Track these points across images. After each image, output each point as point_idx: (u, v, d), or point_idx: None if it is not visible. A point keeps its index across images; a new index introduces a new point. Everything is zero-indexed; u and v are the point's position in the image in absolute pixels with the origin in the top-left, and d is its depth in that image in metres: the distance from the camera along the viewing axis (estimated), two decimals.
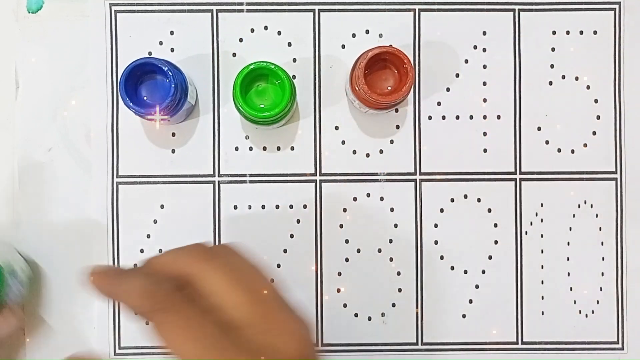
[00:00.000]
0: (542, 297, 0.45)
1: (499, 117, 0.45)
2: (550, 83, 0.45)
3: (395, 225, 0.45)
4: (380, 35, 0.45)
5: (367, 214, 0.45)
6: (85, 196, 0.45)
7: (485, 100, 0.45)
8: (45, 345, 0.45)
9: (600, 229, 0.46)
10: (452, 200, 0.45)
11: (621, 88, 0.45)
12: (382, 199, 0.45)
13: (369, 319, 0.45)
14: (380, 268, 0.45)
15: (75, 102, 0.45)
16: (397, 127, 0.45)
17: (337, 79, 0.45)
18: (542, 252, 0.45)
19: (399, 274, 0.45)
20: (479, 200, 0.45)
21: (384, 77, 0.42)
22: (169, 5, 0.45)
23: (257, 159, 0.45)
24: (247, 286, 0.32)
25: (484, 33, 0.45)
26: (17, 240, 0.45)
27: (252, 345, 0.30)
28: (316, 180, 0.45)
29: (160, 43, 0.45)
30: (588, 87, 0.45)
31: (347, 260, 0.45)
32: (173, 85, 0.39)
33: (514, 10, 0.45)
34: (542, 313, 0.45)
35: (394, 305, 0.45)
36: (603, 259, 0.46)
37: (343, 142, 0.45)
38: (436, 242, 0.45)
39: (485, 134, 0.45)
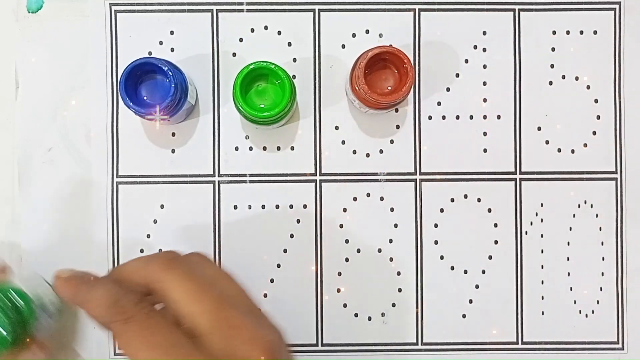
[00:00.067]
0: (542, 297, 0.45)
1: (499, 117, 0.45)
2: (550, 83, 0.45)
3: (395, 225, 0.45)
4: (380, 35, 0.45)
5: (367, 214, 0.45)
6: (85, 196, 0.45)
7: (485, 100, 0.45)
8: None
9: (600, 229, 0.46)
10: (452, 200, 0.45)
11: (621, 88, 0.45)
12: (382, 199, 0.45)
13: (369, 319, 0.45)
14: (380, 268, 0.45)
15: (75, 102, 0.45)
16: (397, 127, 0.45)
17: (337, 79, 0.45)
18: (542, 252, 0.45)
19: (399, 274, 0.45)
20: (479, 200, 0.45)
21: (384, 77, 0.42)
22: (169, 5, 0.45)
23: (257, 158, 0.45)
24: (211, 294, 0.32)
25: (484, 33, 0.45)
26: (17, 241, 0.45)
27: (215, 352, 0.29)
28: (316, 180, 0.45)
29: (160, 43, 0.45)
30: (588, 87, 0.45)
31: (347, 260, 0.45)
32: (173, 85, 0.39)
33: (514, 10, 0.45)
34: (542, 313, 0.45)
35: (394, 305, 0.45)
36: (603, 259, 0.46)
37: (343, 142, 0.45)
38: (436, 242, 0.45)
39: (485, 134, 0.45)
